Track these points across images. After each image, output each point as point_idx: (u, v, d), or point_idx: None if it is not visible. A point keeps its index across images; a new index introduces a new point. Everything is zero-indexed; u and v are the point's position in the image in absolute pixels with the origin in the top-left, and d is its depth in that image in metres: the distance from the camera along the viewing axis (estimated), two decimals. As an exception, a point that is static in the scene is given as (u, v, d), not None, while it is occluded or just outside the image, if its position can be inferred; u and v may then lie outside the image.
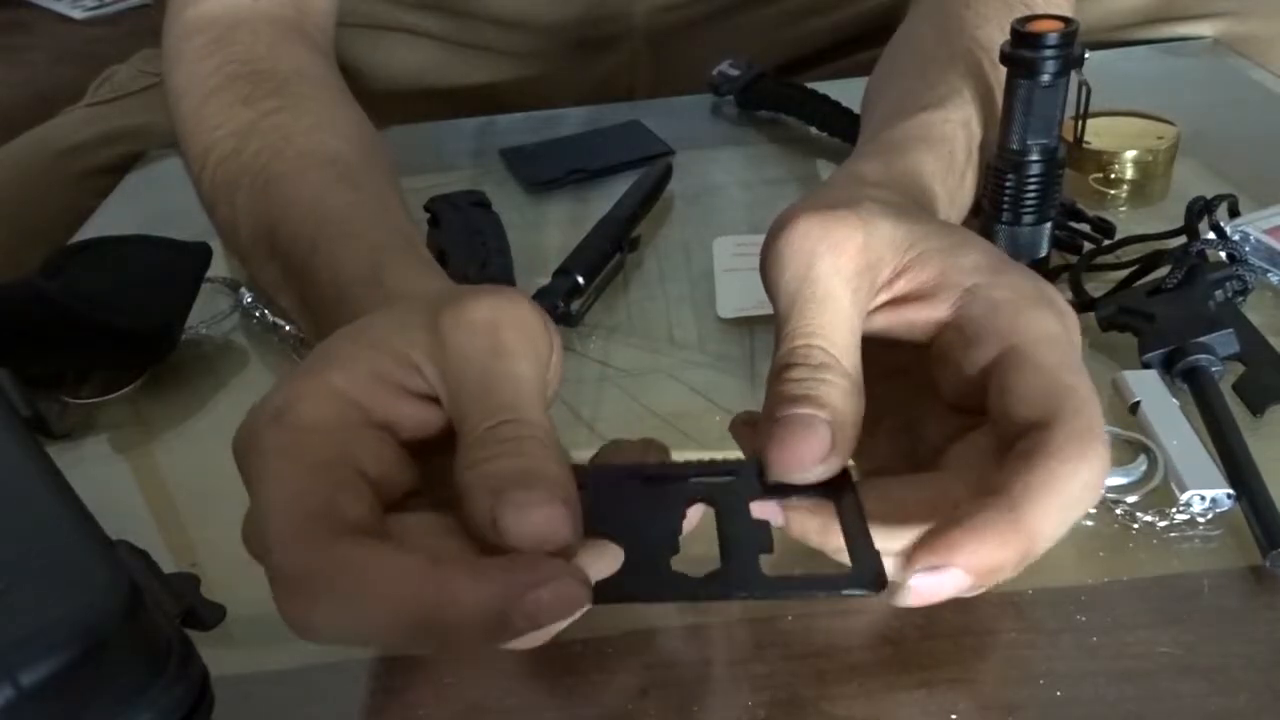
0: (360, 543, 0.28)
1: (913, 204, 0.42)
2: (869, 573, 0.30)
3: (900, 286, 0.34)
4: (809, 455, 0.31)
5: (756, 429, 0.33)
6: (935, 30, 0.56)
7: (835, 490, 0.32)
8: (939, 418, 0.35)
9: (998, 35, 0.53)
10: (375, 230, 0.44)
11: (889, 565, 0.30)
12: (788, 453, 0.31)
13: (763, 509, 0.32)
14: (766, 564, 0.30)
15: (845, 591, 0.30)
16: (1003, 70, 0.49)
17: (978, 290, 0.33)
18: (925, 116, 0.48)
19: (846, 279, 0.33)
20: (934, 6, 0.58)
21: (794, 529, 0.33)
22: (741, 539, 0.31)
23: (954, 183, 0.48)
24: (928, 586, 0.28)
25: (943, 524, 0.29)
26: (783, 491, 0.32)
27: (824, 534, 0.32)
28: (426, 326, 0.32)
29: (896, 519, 0.31)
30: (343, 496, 0.29)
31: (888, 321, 0.35)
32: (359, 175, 0.49)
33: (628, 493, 0.33)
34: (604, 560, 0.30)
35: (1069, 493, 0.29)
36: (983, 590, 0.30)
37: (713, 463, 0.34)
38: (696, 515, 0.32)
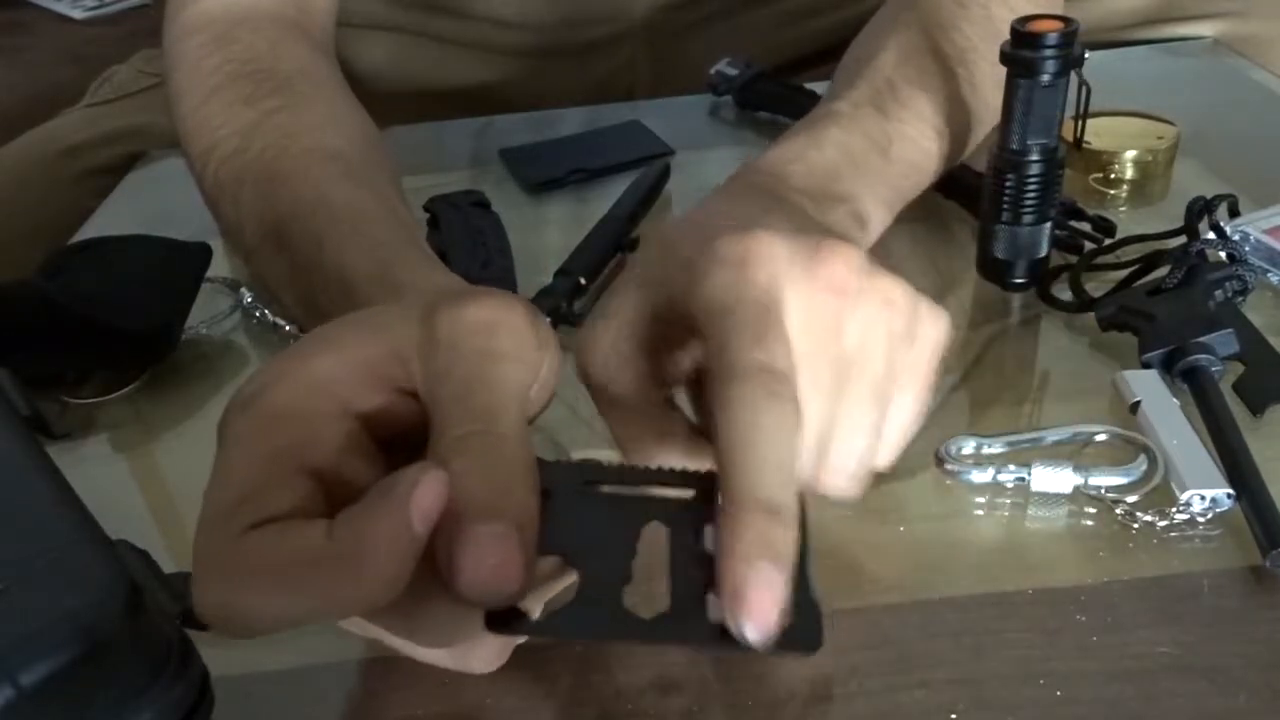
0: (264, 532, 0.28)
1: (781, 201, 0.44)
2: (811, 635, 0.28)
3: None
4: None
5: None
6: (887, 28, 0.56)
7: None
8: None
9: (960, 31, 0.54)
10: (380, 226, 0.44)
11: None
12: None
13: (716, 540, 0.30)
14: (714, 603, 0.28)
15: (784, 651, 0.28)
16: (967, 60, 0.49)
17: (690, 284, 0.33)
18: (827, 119, 0.50)
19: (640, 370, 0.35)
20: (895, 5, 0.59)
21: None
22: (690, 574, 0.29)
23: (857, 140, 0.49)
24: (761, 613, 0.27)
25: (721, 564, 0.27)
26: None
27: None
28: (422, 320, 0.31)
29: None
30: (271, 489, 0.29)
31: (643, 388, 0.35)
32: (362, 172, 0.49)
33: (587, 505, 0.31)
34: (559, 589, 0.30)
35: (764, 446, 0.28)
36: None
37: (675, 473, 0.32)
38: (652, 538, 0.31)
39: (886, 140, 0.50)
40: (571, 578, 0.29)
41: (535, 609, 0.30)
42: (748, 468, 0.28)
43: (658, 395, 0.35)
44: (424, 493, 0.27)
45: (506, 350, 0.31)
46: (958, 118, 0.52)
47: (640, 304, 0.35)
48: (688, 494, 0.32)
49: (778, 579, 0.27)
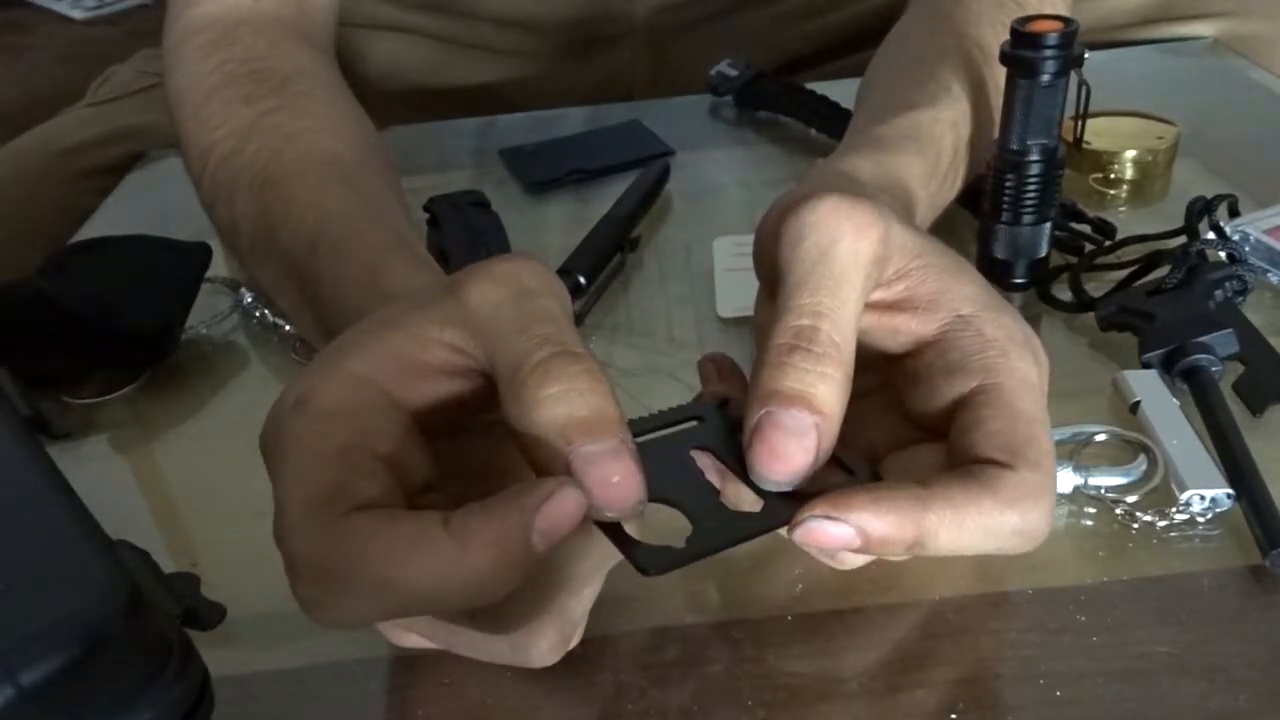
0: (372, 515, 0.28)
1: (901, 208, 0.43)
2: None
3: (897, 291, 0.35)
4: (792, 465, 0.31)
5: (726, 381, 0.35)
6: (926, 28, 0.56)
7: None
8: (888, 426, 0.36)
9: (988, 32, 0.53)
10: (372, 231, 0.44)
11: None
12: (772, 459, 0.31)
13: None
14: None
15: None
16: (994, 67, 0.49)
17: (970, 320, 0.34)
18: (914, 115, 0.48)
19: (862, 266, 0.33)
20: (926, 5, 0.58)
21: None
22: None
23: (935, 186, 0.48)
24: (819, 529, 0.30)
25: (856, 487, 0.31)
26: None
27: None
28: (448, 297, 0.32)
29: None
30: (357, 479, 0.29)
31: (873, 323, 0.35)
32: (357, 176, 0.49)
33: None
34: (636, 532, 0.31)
35: (987, 526, 0.31)
36: (867, 561, 0.34)
37: (674, 411, 0.35)
38: (709, 462, 0.34)
39: (943, 170, 0.49)
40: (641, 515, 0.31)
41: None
42: (957, 518, 0.31)
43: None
44: (553, 507, 0.28)
45: (540, 287, 0.32)
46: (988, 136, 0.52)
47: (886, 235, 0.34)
48: (694, 424, 0.35)
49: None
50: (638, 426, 0.34)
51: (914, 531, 0.30)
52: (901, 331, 0.35)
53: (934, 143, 0.48)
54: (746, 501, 0.32)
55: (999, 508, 0.30)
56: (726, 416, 0.35)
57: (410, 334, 0.31)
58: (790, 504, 0.31)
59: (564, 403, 0.29)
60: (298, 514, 0.28)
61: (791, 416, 0.31)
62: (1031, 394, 0.33)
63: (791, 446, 0.31)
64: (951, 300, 0.34)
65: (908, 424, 0.35)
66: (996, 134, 0.50)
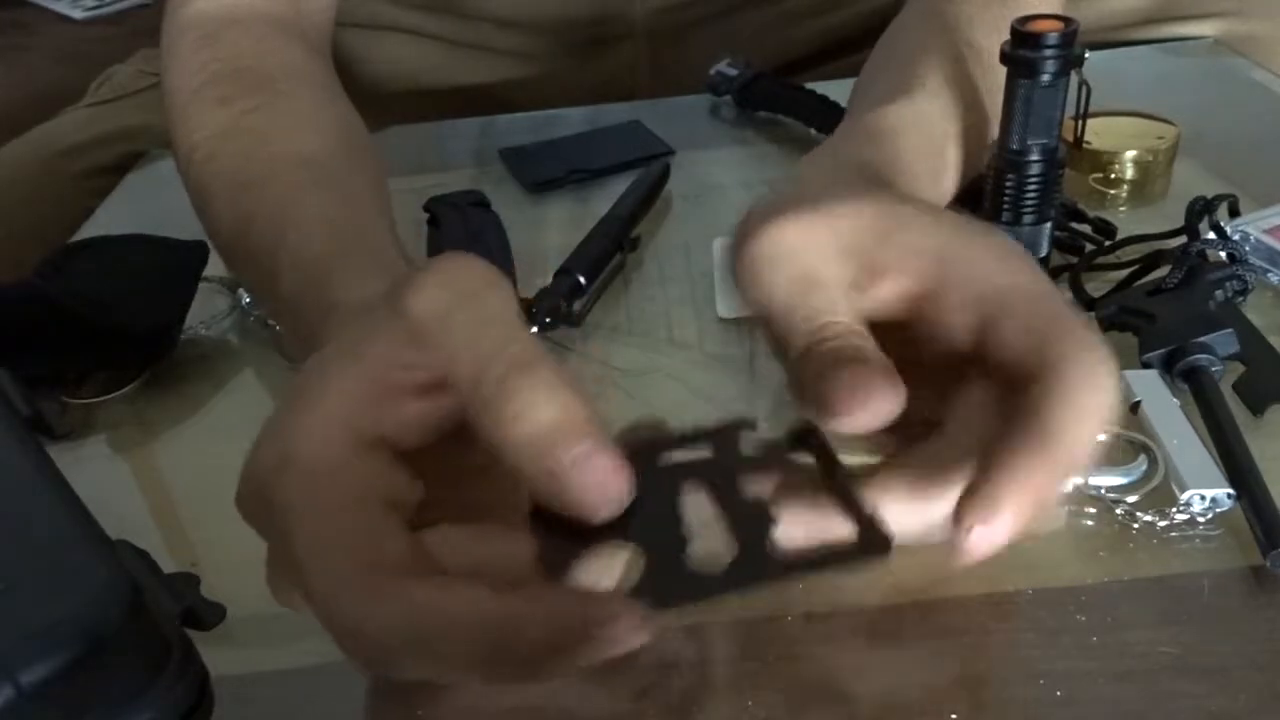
0: (422, 582, 0.28)
1: (888, 184, 0.43)
2: (878, 539, 0.30)
3: (876, 265, 0.34)
4: (875, 403, 0.31)
5: (800, 393, 0.33)
6: (920, 27, 0.56)
7: (817, 456, 0.32)
8: (915, 392, 0.35)
9: (980, 31, 0.53)
10: (333, 237, 0.44)
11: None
12: (857, 399, 0.31)
13: (758, 485, 0.32)
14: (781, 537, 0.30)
15: (862, 559, 0.30)
16: (988, 64, 0.49)
17: (951, 255, 0.33)
18: (904, 100, 0.48)
19: (834, 265, 0.34)
20: (921, 5, 0.58)
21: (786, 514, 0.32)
22: (746, 519, 0.31)
23: (937, 161, 0.48)
24: (984, 538, 0.29)
25: (983, 474, 0.29)
26: (766, 461, 0.32)
27: (815, 507, 0.32)
28: (391, 315, 0.31)
29: (923, 491, 0.32)
30: (381, 535, 0.29)
31: (866, 304, 0.35)
32: (332, 176, 0.48)
33: None
34: (625, 571, 0.30)
35: (1089, 409, 0.30)
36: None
37: (686, 435, 0.33)
38: (693, 500, 0.32)
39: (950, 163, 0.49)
40: (639, 560, 0.30)
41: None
42: (1065, 426, 0.29)
43: (826, 305, 0.34)
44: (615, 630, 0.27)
45: (478, 285, 0.31)
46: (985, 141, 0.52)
47: (856, 228, 0.34)
48: (705, 453, 0.33)
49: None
50: (640, 445, 0.32)
51: (1057, 471, 0.29)
52: (891, 300, 0.34)
53: (924, 121, 0.48)
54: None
55: (1083, 389, 0.30)
56: (736, 451, 0.33)
57: (366, 364, 0.31)
58: (754, 568, 0.30)
59: (527, 420, 0.29)
60: (337, 582, 0.28)
61: (858, 367, 0.31)
62: (1038, 282, 0.32)
63: (866, 386, 0.31)
64: (924, 246, 0.34)
65: (931, 385, 0.34)
66: (992, 131, 0.50)
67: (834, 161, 0.44)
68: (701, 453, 0.33)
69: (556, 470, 0.29)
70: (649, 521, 0.30)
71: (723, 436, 0.33)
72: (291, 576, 0.29)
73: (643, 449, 0.33)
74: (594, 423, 0.29)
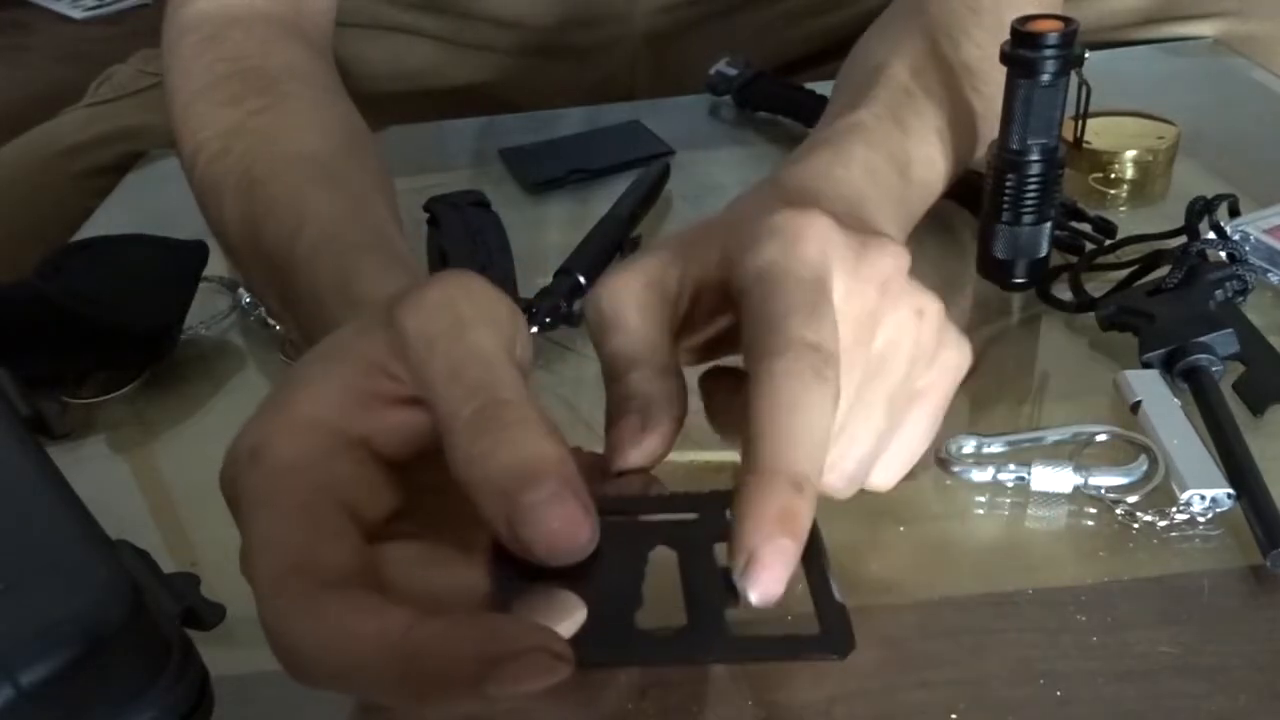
0: (342, 597, 0.27)
1: (813, 195, 0.43)
2: (839, 638, 0.29)
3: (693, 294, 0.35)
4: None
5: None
6: (894, 31, 0.56)
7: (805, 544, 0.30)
8: None
9: (960, 38, 0.53)
10: (350, 232, 0.44)
11: None
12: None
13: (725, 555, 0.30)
14: (732, 616, 0.29)
15: (815, 655, 0.29)
16: (965, 70, 0.49)
17: (728, 254, 0.34)
18: (858, 115, 0.49)
19: (655, 318, 0.35)
20: (899, 9, 0.58)
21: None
22: (706, 590, 0.29)
23: (880, 160, 0.47)
24: (770, 581, 0.27)
25: (739, 527, 0.28)
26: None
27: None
28: (385, 324, 0.31)
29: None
30: (323, 543, 0.28)
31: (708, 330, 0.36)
32: (340, 175, 0.48)
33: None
34: (568, 618, 0.29)
35: (798, 407, 0.29)
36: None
37: (675, 497, 0.32)
38: (660, 561, 0.31)
39: (906, 160, 0.49)
40: (581, 607, 0.29)
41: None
42: (783, 441, 0.28)
43: (663, 355, 0.35)
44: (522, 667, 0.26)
45: (474, 315, 0.30)
46: (969, 133, 0.52)
47: (672, 261, 0.35)
48: (689, 516, 0.32)
49: (792, 553, 0.27)
50: (627, 505, 0.32)
51: (797, 496, 0.28)
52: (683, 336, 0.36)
53: (855, 131, 0.48)
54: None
55: (783, 411, 0.29)
56: (721, 520, 0.31)
57: (355, 366, 0.31)
58: (702, 642, 0.29)
59: (492, 460, 0.28)
60: (268, 580, 0.28)
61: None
62: (767, 279, 0.32)
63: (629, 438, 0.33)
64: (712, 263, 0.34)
65: None
66: (985, 129, 0.50)
67: (772, 177, 0.45)
68: (685, 516, 0.32)
69: (512, 514, 0.28)
70: (609, 576, 0.29)
71: (709, 504, 0.32)
72: (243, 567, 0.29)
73: (624, 504, 0.32)
74: (566, 470, 0.29)
